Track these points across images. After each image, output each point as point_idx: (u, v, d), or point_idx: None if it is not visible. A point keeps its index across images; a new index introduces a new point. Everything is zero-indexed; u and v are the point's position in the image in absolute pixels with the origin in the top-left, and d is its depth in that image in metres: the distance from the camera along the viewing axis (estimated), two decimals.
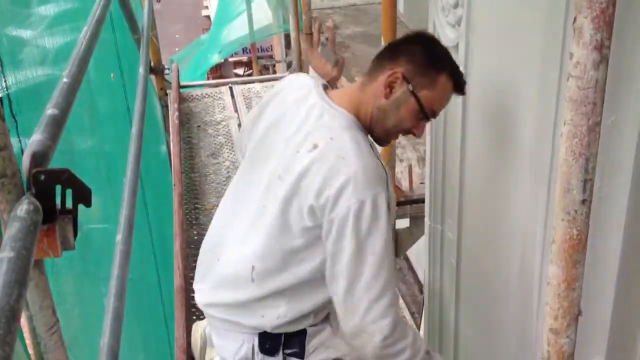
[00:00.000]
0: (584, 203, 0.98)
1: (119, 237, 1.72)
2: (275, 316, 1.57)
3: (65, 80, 1.18)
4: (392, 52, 1.57)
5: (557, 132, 1.40)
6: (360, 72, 3.80)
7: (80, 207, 0.94)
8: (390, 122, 1.54)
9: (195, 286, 1.74)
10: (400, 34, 4.07)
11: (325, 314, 1.65)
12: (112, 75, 2.63)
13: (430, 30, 2.21)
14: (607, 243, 1.45)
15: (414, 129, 1.56)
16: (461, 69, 1.94)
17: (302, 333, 1.62)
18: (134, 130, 2.10)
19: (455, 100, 2.00)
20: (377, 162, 1.50)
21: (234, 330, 1.64)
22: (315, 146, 1.48)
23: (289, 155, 1.53)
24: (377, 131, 1.57)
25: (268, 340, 1.60)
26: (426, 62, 1.52)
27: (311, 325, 1.62)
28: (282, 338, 1.60)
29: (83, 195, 0.91)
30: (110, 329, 1.44)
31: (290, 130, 1.56)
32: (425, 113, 1.52)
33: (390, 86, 1.51)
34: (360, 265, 1.42)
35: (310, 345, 1.62)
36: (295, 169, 1.49)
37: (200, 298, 1.70)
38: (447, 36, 2.05)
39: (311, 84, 1.62)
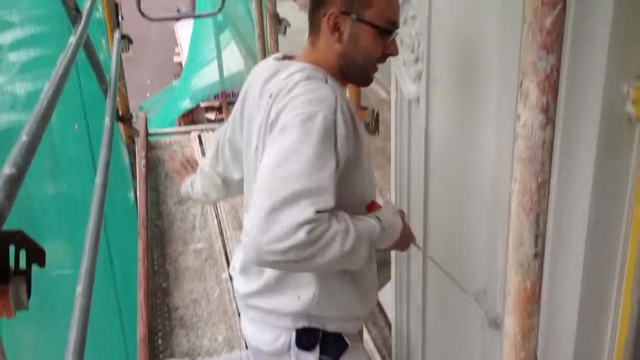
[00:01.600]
0: (536, 257, 1.00)
1: (79, 289, 1.70)
2: (312, 296, 1.55)
3: (24, 138, 1.18)
4: (318, 1, 1.51)
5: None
6: None
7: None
8: (359, 58, 1.48)
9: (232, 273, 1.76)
10: None
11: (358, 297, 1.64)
12: (76, 126, 2.62)
13: (392, 83, 2.27)
14: (565, 294, 1.48)
15: (386, 51, 1.49)
16: (422, 121, 2.00)
17: (340, 341, 1.62)
18: (98, 180, 2.09)
19: (419, 154, 2.05)
20: (330, 91, 1.37)
21: (271, 324, 1.63)
22: (270, 95, 1.45)
23: (256, 123, 1.52)
24: (354, 74, 1.51)
25: (305, 337, 1.60)
26: None
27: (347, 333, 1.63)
28: (320, 334, 1.60)
29: (37, 256, 0.90)
30: None
31: (257, 103, 1.54)
32: (383, 28, 1.45)
33: (336, 29, 1.45)
34: (280, 168, 1.28)
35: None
36: (256, 125, 1.49)
37: (236, 286, 1.72)
38: (408, 90, 2.10)
39: (271, 58, 1.61)
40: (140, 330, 2.37)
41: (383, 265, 3.00)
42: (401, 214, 1.58)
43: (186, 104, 6.76)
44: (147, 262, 2.70)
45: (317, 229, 1.24)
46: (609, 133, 1.28)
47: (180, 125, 12.29)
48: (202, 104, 14.84)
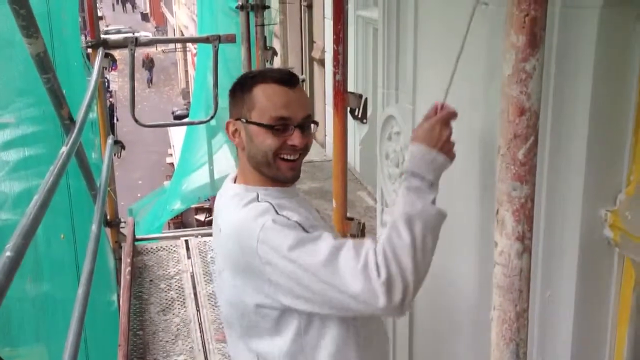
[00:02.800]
0: None
1: None
2: None
3: (8, 254, 1.17)
4: None
5: None
6: None
7: None
8: (259, 155, 1.51)
9: None
10: (353, 191, 4.20)
11: None
12: (62, 236, 2.61)
13: (377, 195, 2.30)
14: None
15: (286, 143, 1.50)
16: None
17: None
18: (80, 291, 2.05)
19: None
20: (264, 205, 1.44)
21: None
22: (220, 230, 1.54)
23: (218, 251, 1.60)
24: (266, 171, 1.53)
25: None
26: (236, 95, 1.56)
27: None
28: None
29: None
30: None
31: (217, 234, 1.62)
32: (269, 125, 1.49)
33: (235, 135, 1.56)
34: (307, 272, 1.32)
35: None
36: (218, 252, 1.58)
37: None
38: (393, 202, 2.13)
39: (228, 180, 1.66)
40: None
41: None
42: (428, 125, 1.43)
43: (177, 207, 6.77)
44: None
45: (379, 264, 1.27)
46: (589, 257, 1.29)
47: (169, 225, 12.26)
48: (193, 205, 14.90)
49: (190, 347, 3.01)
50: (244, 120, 1.53)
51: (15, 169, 2.43)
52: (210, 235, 4.13)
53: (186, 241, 4.11)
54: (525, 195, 0.94)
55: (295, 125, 1.50)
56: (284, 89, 1.52)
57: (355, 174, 4.63)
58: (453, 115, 1.44)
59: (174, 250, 3.99)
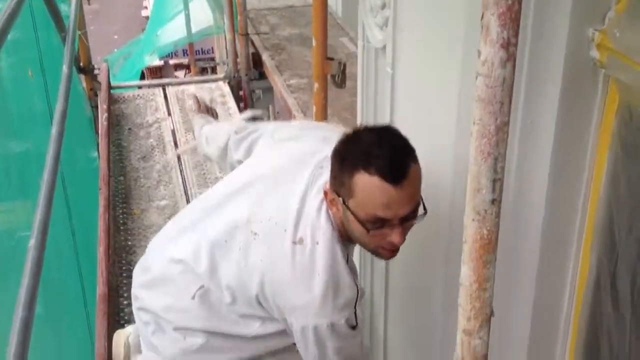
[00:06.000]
0: (494, 203, 0.97)
1: (31, 242, 1.64)
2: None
3: None
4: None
5: None
6: (295, 74, 3.77)
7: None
8: (357, 240, 1.43)
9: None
10: (335, 36, 4.07)
11: None
12: (30, 72, 2.51)
13: (359, 31, 2.20)
14: (526, 243, 1.46)
15: (385, 240, 1.37)
16: (388, 69, 1.94)
17: None
18: (54, 131, 2.01)
19: (384, 102, 2.00)
20: (348, 284, 1.41)
21: None
22: (301, 240, 1.42)
23: (269, 220, 1.47)
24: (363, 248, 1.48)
25: None
26: (338, 169, 1.37)
27: None
28: None
29: None
30: (17, 340, 1.37)
31: (283, 191, 1.50)
32: (364, 223, 1.33)
33: (332, 204, 1.41)
34: None
35: None
36: (271, 245, 1.45)
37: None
38: (375, 37, 2.04)
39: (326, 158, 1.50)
40: (100, 288, 2.31)
41: None
42: None
43: (151, 58, 6.58)
44: (108, 218, 2.63)
45: None
46: (573, 78, 1.25)
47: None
48: (172, 62, 14.54)
49: (172, 193, 3.04)
50: (341, 201, 1.35)
51: None
52: (188, 84, 4.04)
53: (163, 89, 4.02)
54: None
55: (396, 222, 1.34)
56: (387, 186, 1.29)
57: (338, 19, 4.46)
58: None
59: (152, 99, 3.91)
